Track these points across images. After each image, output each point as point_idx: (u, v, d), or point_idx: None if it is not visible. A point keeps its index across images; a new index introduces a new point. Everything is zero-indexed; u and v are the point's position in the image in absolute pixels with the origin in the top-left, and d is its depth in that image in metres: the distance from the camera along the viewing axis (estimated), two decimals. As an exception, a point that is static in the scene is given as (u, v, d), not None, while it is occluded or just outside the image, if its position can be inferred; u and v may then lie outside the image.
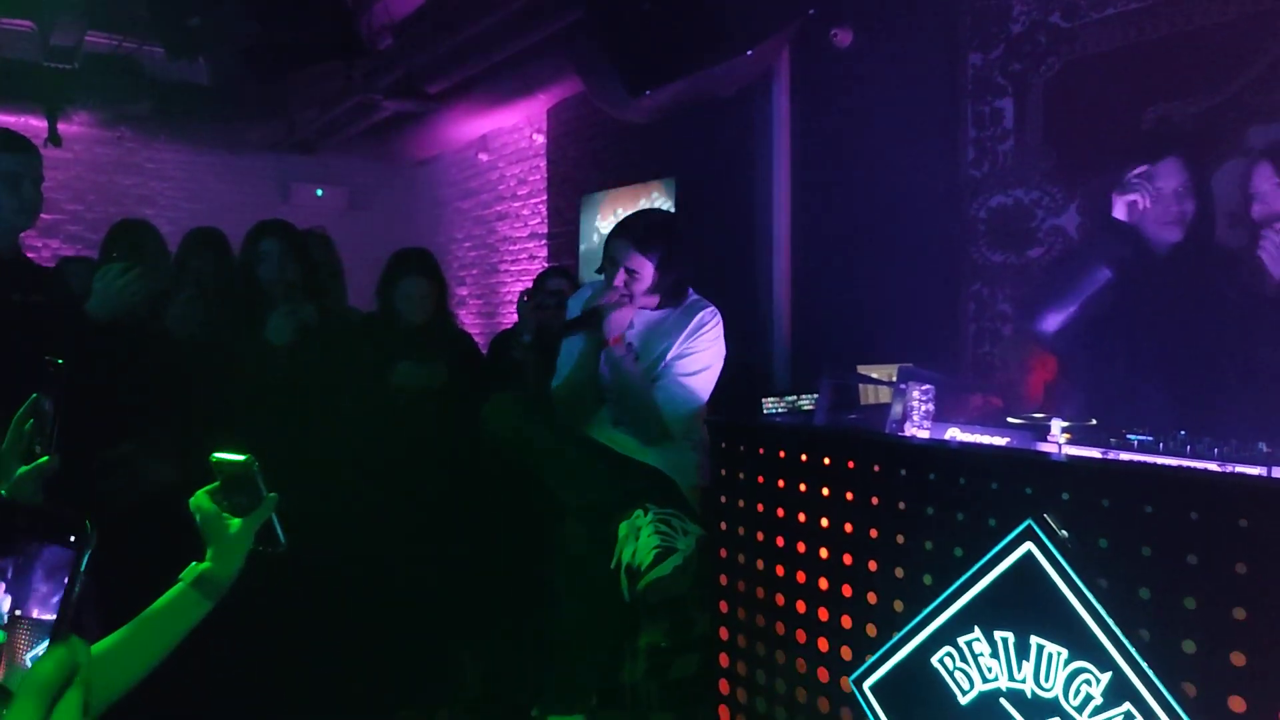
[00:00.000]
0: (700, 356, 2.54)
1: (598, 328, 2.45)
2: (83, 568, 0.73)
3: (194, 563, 1.32)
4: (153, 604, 1.29)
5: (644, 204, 5.66)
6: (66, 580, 0.72)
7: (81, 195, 7.48)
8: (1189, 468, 1.50)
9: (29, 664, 0.71)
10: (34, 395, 1.47)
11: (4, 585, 0.74)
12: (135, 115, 6.63)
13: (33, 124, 6.53)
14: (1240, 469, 1.47)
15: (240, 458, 1.35)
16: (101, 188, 7.56)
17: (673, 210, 5.40)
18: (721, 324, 2.64)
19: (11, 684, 0.71)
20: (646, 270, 2.50)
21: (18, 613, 0.73)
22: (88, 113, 6.63)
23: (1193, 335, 2.29)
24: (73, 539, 0.73)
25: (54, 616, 0.72)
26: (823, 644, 1.86)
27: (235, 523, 1.34)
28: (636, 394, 2.45)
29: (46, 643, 0.71)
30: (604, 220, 6.13)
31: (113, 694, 1.25)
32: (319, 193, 8.43)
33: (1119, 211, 2.42)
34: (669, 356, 2.52)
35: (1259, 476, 1.43)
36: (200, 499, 1.35)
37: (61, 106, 6.29)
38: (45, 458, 1.46)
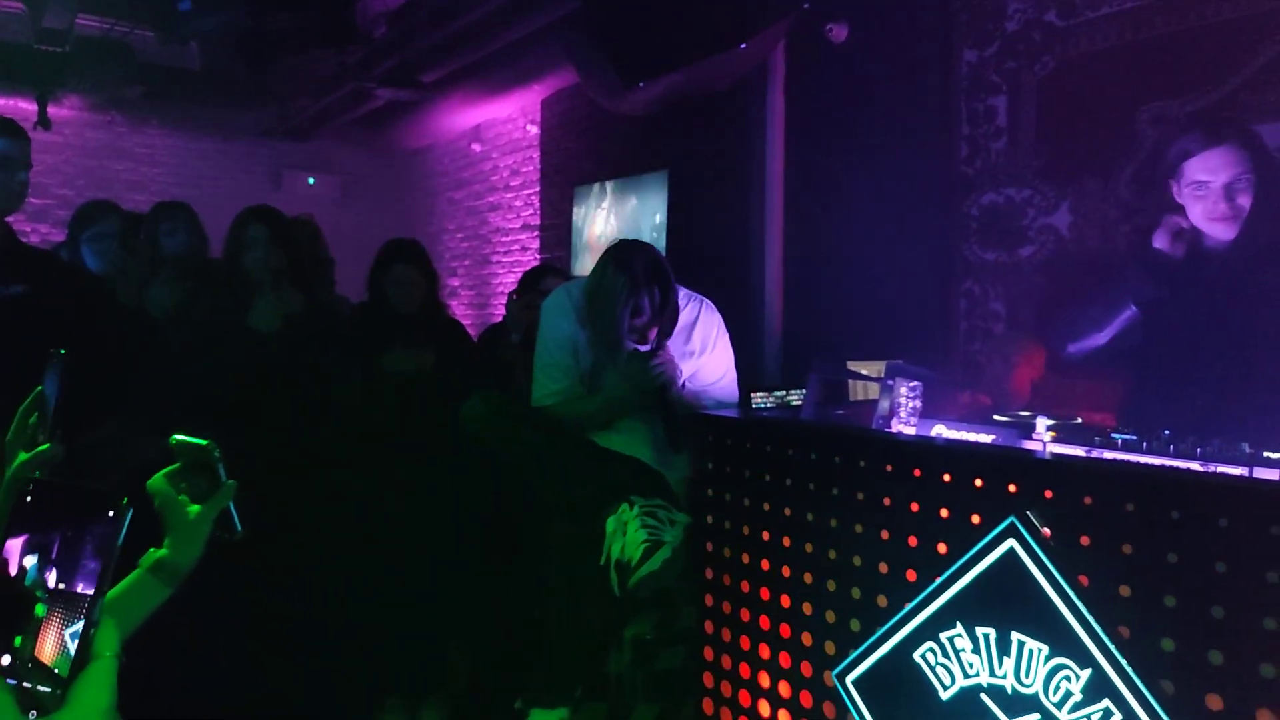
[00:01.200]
0: (713, 356, 2.55)
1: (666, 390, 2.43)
2: (120, 543, 0.74)
3: (151, 548, 1.32)
4: (110, 589, 1.29)
5: (634, 204, 5.66)
6: (106, 556, 0.74)
7: (71, 180, 7.44)
8: (1171, 467, 1.51)
9: (70, 641, 0.74)
10: (38, 388, 1.47)
11: (51, 560, 0.75)
12: (126, 99, 6.59)
13: (23, 107, 6.50)
14: (1222, 469, 1.48)
15: (201, 441, 1.33)
16: (91, 172, 7.51)
17: (665, 203, 5.39)
18: (717, 313, 2.63)
19: (60, 668, 0.73)
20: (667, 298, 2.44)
21: (62, 586, 0.75)
22: (78, 96, 6.59)
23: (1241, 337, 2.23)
24: (111, 514, 0.75)
25: (93, 591, 0.74)
26: (806, 638, 1.86)
27: (194, 508, 1.32)
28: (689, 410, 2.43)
29: (82, 623, 0.73)
30: (598, 213, 6.12)
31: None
32: (311, 180, 8.40)
33: (1161, 241, 2.23)
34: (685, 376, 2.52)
35: (1240, 476, 1.43)
36: (158, 482, 1.33)
37: (52, 90, 6.25)
38: (47, 445, 1.46)
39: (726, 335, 2.62)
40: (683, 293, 2.54)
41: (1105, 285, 2.47)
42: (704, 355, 2.56)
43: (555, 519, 2.42)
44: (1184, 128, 2.29)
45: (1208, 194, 2.14)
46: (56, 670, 0.73)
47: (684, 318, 2.51)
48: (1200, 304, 2.22)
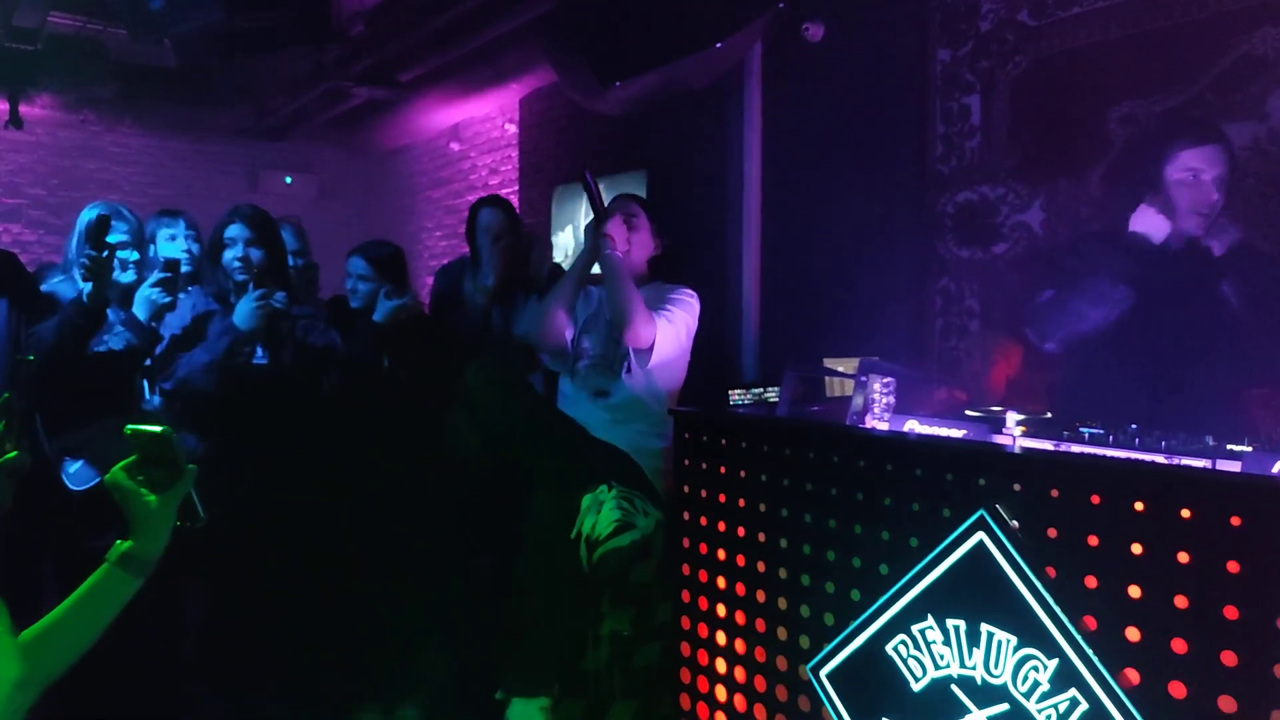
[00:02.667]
0: (677, 311, 2.65)
1: (599, 226, 2.63)
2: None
3: (118, 541, 1.32)
4: (80, 585, 1.30)
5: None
6: None
7: (43, 179, 7.35)
8: (1136, 460, 1.53)
9: None
10: (5, 395, 1.46)
11: None
12: (99, 98, 6.51)
13: (-7, 105, 6.41)
14: (1186, 461, 1.50)
15: (157, 429, 1.32)
16: (64, 172, 7.42)
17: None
18: (698, 303, 2.75)
19: None
20: (643, 220, 2.78)
21: None
22: (50, 95, 6.51)
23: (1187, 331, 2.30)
24: None
25: None
26: (781, 633, 1.88)
27: (154, 499, 1.32)
28: (622, 290, 2.54)
29: None
30: (575, 212, 6.12)
31: (51, 673, 1.27)
32: (288, 180, 8.34)
33: (1141, 223, 2.37)
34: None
35: (1203, 468, 1.46)
36: (116, 475, 1.33)
37: (23, 88, 6.17)
38: (14, 453, 1.45)
39: (695, 315, 2.72)
40: (673, 288, 2.74)
41: (1088, 275, 2.52)
42: (668, 305, 2.67)
43: (534, 496, 2.44)
44: (1175, 125, 2.41)
45: (1199, 184, 2.29)
46: None
47: (671, 288, 2.75)
48: (1167, 295, 2.30)
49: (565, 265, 4.18)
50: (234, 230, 2.66)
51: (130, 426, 1.33)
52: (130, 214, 2.79)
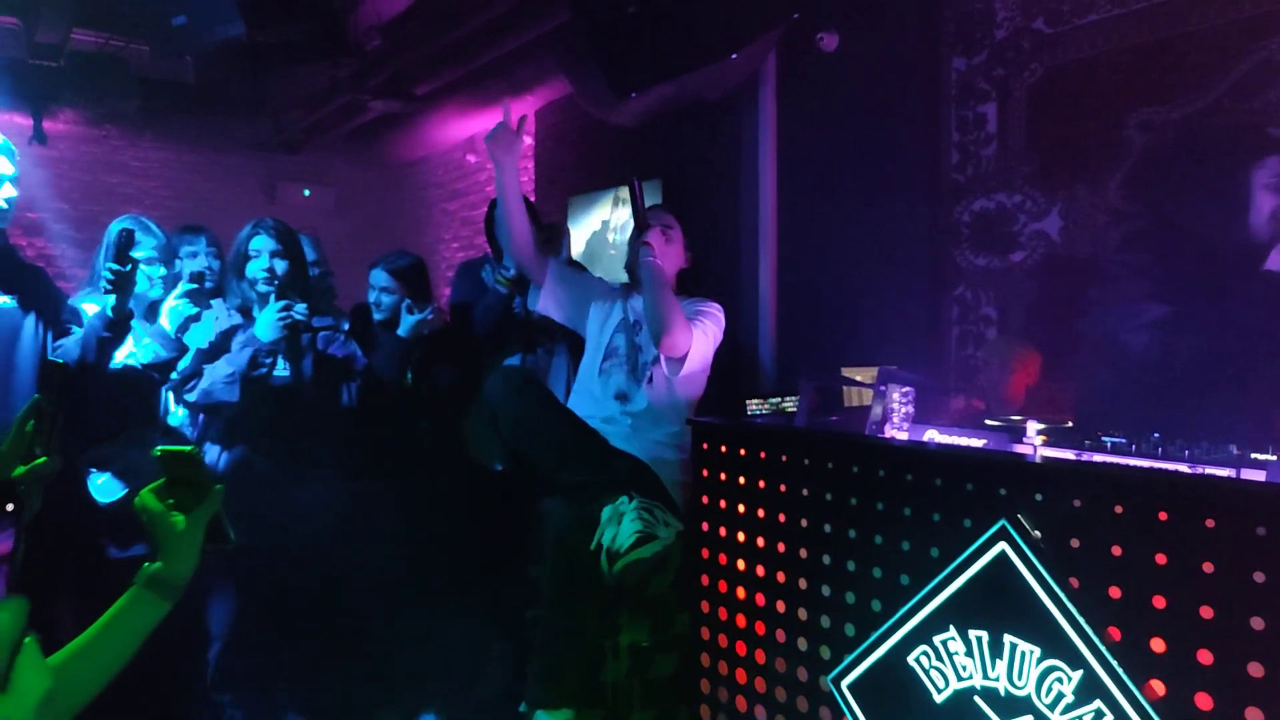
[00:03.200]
0: (708, 323, 2.69)
1: (640, 234, 2.68)
2: (21, 533, 0.73)
3: (146, 563, 1.31)
4: (110, 608, 1.29)
5: (628, 213, 5.68)
6: (9, 547, 0.73)
7: (67, 194, 7.44)
8: (1159, 469, 1.52)
9: None
10: (35, 397, 1.47)
11: None
12: (121, 113, 6.59)
13: (18, 121, 6.50)
14: (1210, 470, 1.49)
15: (185, 449, 1.33)
16: (87, 186, 7.52)
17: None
18: (723, 317, 2.80)
19: None
20: (677, 233, 2.85)
21: None
22: (73, 111, 6.60)
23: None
24: (10, 508, 0.74)
25: None
26: (802, 643, 1.88)
27: (181, 520, 1.32)
28: (661, 296, 2.57)
29: None
30: (590, 223, 6.14)
31: (82, 698, 1.25)
32: (306, 192, 8.41)
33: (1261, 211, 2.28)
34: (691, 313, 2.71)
35: (1227, 478, 1.45)
36: (145, 498, 1.32)
37: (47, 104, 6.26)
38: (44, 459, 1.46)
39: (721, 327, 2.75)
40: (699, 301, 2.80)
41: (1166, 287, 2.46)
42: (697, 314, 2.72)
43: (554, 505, 2.45)
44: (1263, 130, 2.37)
45: None
46: None
47: (696, 300, 2.81)
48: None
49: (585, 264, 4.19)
50: (259, 242, 2.69)
51: (160, 448, 1.34)
52: (157, 229, 2.82)
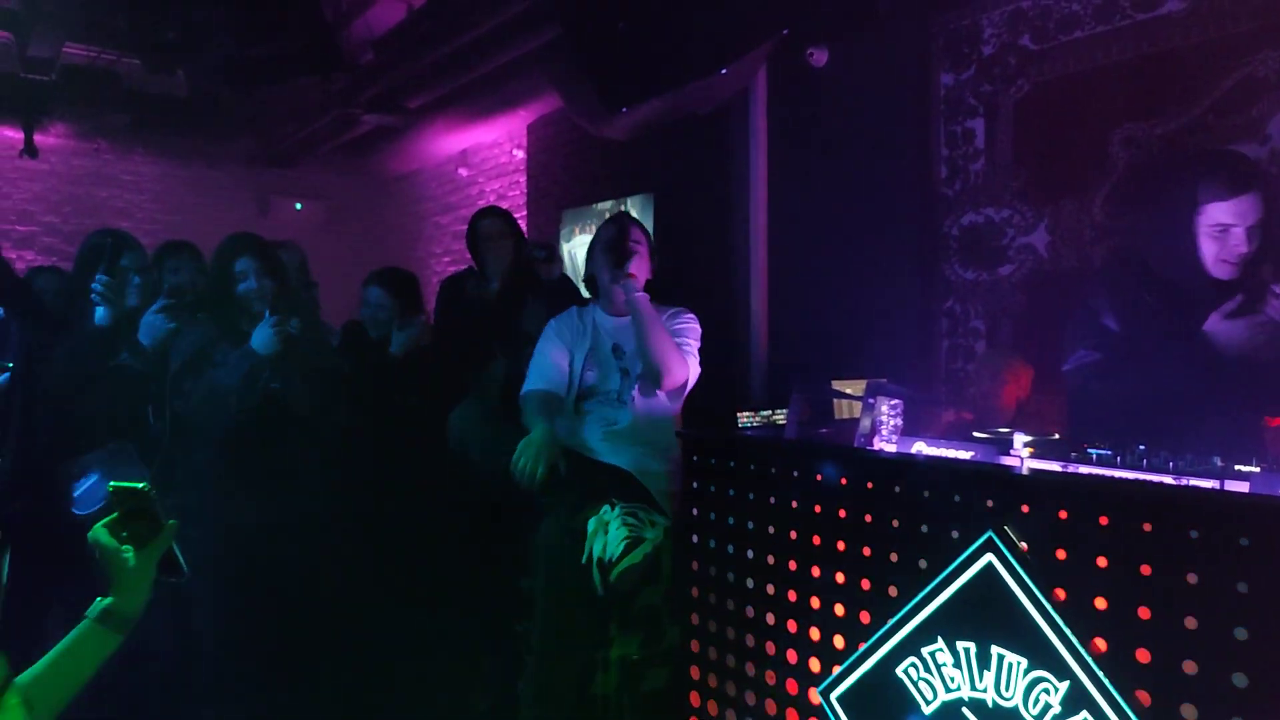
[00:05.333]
0: (692, 342, 2.65)
1: (620, 264, 2.59)
2: (4, 579, 0.73)
3: (99, 598, 1.33)
4: (64, 639, 1.30)
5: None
6: None
7: (57, 207, 7.44)
8: (1144, 481, 1.53)
9: None
10: None
11: None
12: (112, 127, 6.61)
13: (9, 135, 6.51)
14: (1194, 482, 1.51)
15: (138, 485, 1.33)
16: (78, 200, 7.51)
17: (650, 225, 5.44)
18: (697, 320, 2.73)
19: None
20: (644, 246, 2.70)
21: None
22: (65, 124, 6.61)
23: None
24: None
25: None
26: (792, 656, 1.88)
27: (133, 556, 1.33)
28: (654, 334, 2.51)
29: None
30: (581, 236, 6.16)
31: (48, 716, 1.27)
32: (298, 206, 8.41)
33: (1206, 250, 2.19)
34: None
35: (1211, 489, 1.46)
36: (98, 533, 1.34)
37: (38, 118, 6.27)
38: None
39: (695, 339, 2.70)
40: (674, 313, 2.72)
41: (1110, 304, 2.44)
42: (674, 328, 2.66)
43: (538, 527, 2.44)
44: (1205, 166, 2.27)
45: (1227, 237, 2.15)
46: None
47: (671, 311, 2.71)
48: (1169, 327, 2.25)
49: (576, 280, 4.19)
50: (244, 264, 2.68)
51: (113, 483, 1.35)
52: (136, 241, 2.83)
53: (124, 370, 2.64)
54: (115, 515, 1.34)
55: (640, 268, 2.64)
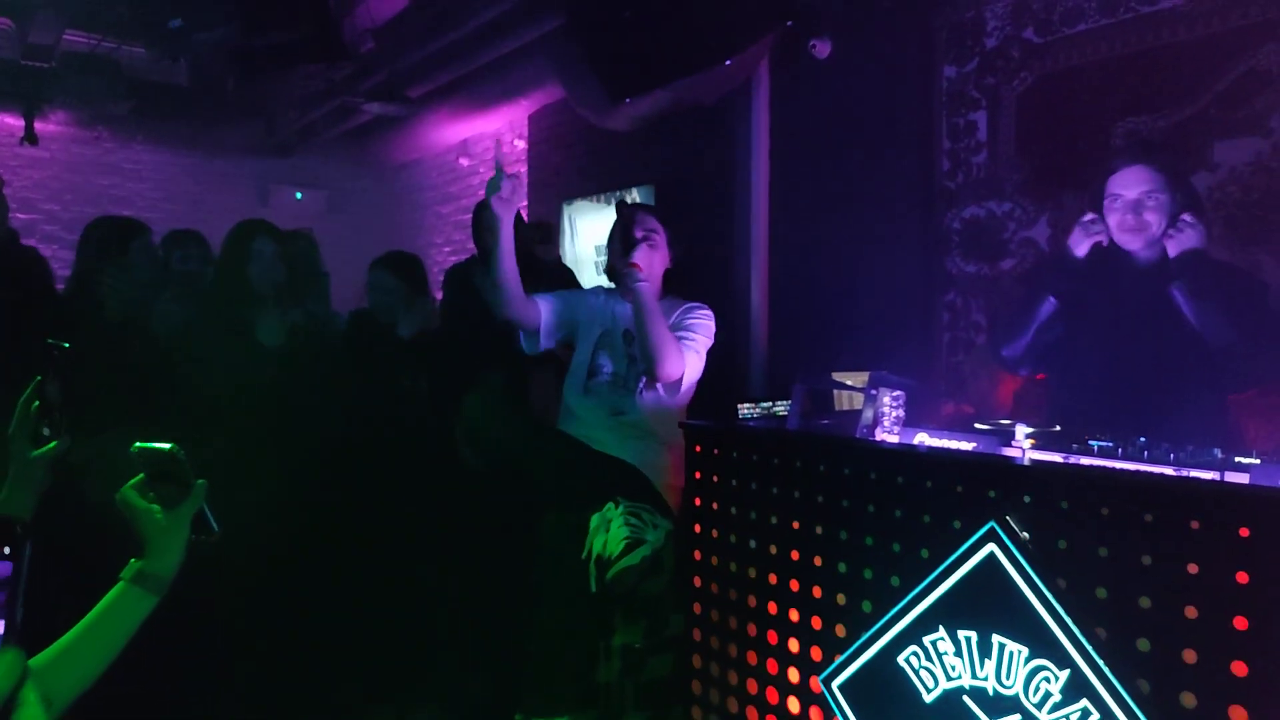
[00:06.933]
0: (699, 337, 2.66)
1: (625, 252, 2.63)
2: (24, 576, 0.72)
3: (133, 559, 1.32)
4: (97, 604, 1.29)
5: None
6: (8, 592, 0.71)
7: (58, 195, 7.42)
8: (1145, 472, 1.55)
9: None
10: (37, 378, 1.48)
11: None
12: (113, 115, 6.59)
13: (9, 122, 6.49)
14: (1195, 473, 1.52)
15: (165, 446, 1.33)
16: (78, 188, 7.49)
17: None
18: (713, 320, 2.76)
19: None
20: (661, 237, 2.76)
21: None
22: (65, 112, 6.59)
23: (1156, 343, 2.34)
24: (6, 550, 0.72)
25: None
26: (793, 644, 1.89)
27: (163, 516, 1.32)
28: (654, 327, 2.52)
29: None
30: (584, 226, 6.16)
31: (69, 695, 1.25)
32: (298, 195, 8.40)
33: (1077, 244, 2.42)
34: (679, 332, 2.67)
35: (1211, 480, 1.48)
36: (127, 493, 1.33)
37: (39, 105, 6.25)
38: (54, 443, 1.47)
39: (711, 332, 2.72)
40: (690, 306, 2.76)
41: (1027, 289, 2.63)
42: (685, 324, 2.68)
43: (544, 517, 2.45)
44: (1118, 148, 2.47)
45: (1120, 206, 2.38)
46: None
47: (685, 305, 2.75)
48: (1108, 309, 2.41)
49: (577, 275, 4.19)
50: (260, 243, 2.69)
51: (137, 445, 1.34)
52: (143, 226, 2.83)
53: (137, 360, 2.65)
54: (141, 476, 1.34)
55: (654, 258, 2.68)
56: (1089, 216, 2.42)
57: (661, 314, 2.56)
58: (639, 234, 2.69)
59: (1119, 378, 2.35)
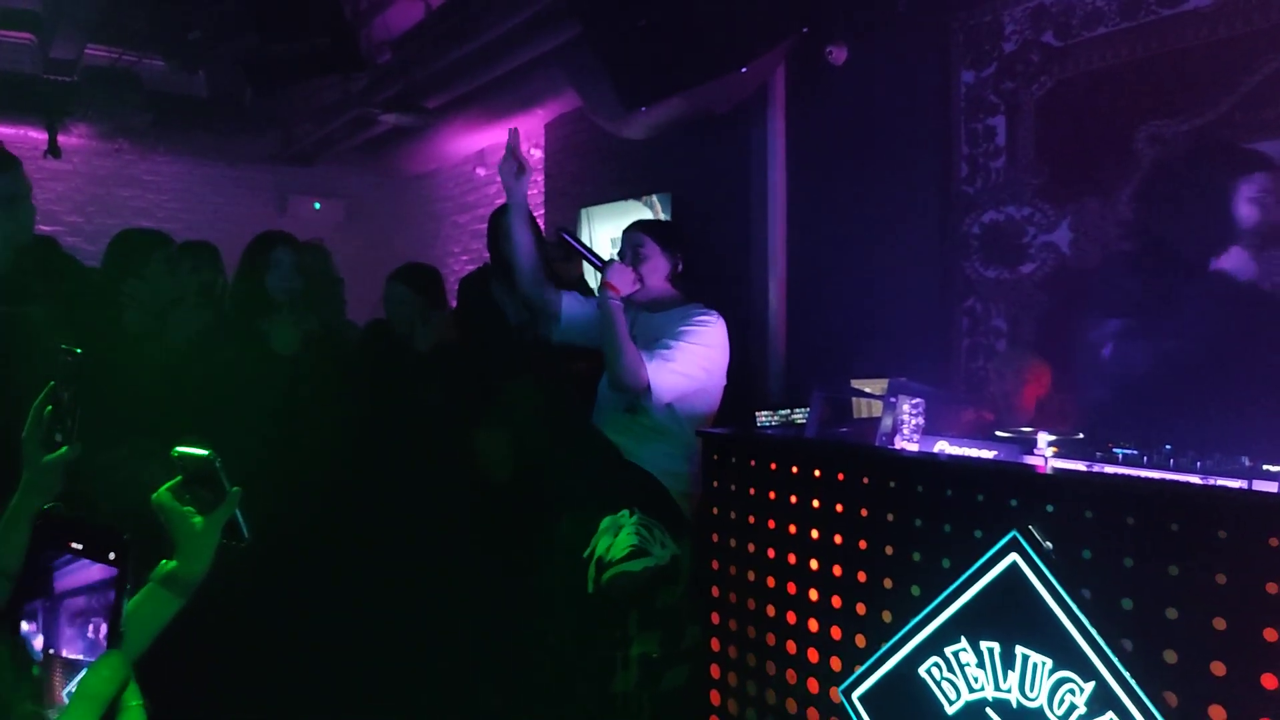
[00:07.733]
0: (682, 346, 2.55)
1: (601, 277, 2.62)
2: (128, 585, 0.73)
3: (163, 560, 1.33)
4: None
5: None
6: (114, 598, 0.73)
7: (81, 207, 7.51)
8: (1171, 480, 1.52)
9: (66, 700, 0.72)
10: (50, 383, 1.49)
11: (36, 625, 0.75)
12: (134, 128, 6.66)
13: (32, 136, 6.57)
14: (1222, 482, 1.49)
15: (203, 452, 1.33)
16: (100, 200, 7.58)
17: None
18: (723, 325, 2.67)
19: (57, 715, 0.71)
20: (651, 248, 2.74)
21: (50, 651, 0.74)
22: (87, 125, 6.67)
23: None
24: (113, 556, 0.74)
25: (83, 657, 0.73)
26: (813, 655, 1.87)
27: (199, 520, 1.33)
28: (614, 338, 2.48)
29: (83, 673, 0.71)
30: (602, 233, 6.16)
31: None
32: (316, 205, 8.46)
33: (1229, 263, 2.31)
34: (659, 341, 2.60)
35: (1239, 489, 1.45)
36: (163, 496, 1.34)
37: (61, 119, 6.33)
38: (65, 448, 1.48)
39: (717, 344, 2.64)
40: (696, 313, 2.68)
41: (1144, 302, 2.49)
42: (680, 339, 2.58)
43: (559, 527, 2.45)
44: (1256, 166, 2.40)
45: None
46: None
47: (691, 317, 2.66)
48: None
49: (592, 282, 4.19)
50: (279, 253, 2.71)
51: (176, 450, 1.35)
52: (166, 237, 2.85)
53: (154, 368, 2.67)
54: (178, 480, 1.35)
55: (647, 270, 2.70)
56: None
57: (623, 328, 2.51)
58: (627, 247, 2.74)
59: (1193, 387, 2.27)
